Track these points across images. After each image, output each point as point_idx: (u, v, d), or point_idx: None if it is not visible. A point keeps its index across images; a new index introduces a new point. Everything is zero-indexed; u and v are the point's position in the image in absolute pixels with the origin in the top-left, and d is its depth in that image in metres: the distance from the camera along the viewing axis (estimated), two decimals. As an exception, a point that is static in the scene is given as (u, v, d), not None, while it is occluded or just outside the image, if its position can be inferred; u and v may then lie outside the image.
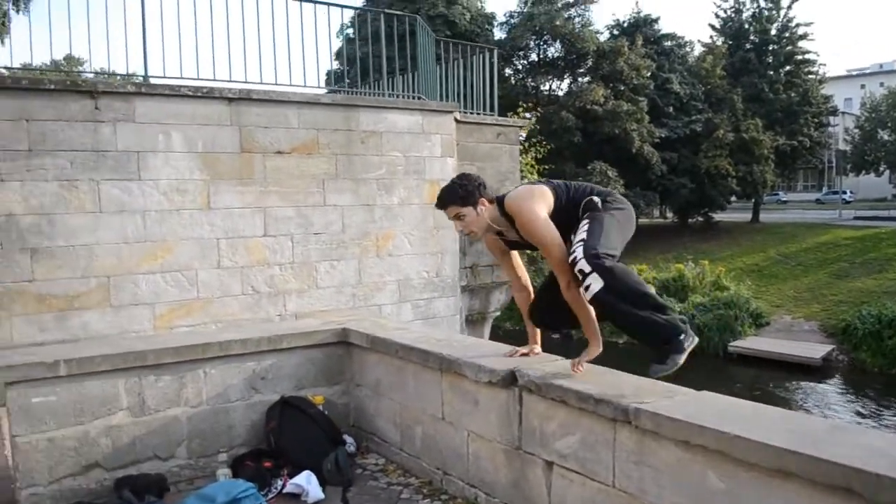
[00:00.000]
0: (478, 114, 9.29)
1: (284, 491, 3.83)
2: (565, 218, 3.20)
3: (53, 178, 6.00)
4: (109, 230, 6.11)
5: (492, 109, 9.66)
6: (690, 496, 2.61)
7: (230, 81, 7.09)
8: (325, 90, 10.57)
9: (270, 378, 4.36)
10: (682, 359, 2.96)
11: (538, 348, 3.65)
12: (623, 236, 3.19)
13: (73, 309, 5.96)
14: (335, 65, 23.10)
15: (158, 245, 6.25)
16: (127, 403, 3.97)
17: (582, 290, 2.93)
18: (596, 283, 2.86)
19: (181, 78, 6.82)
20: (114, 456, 3.93)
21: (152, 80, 6.82)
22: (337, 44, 24.26)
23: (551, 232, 3.14)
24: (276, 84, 7.42)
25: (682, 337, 2.95)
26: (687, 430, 2.57)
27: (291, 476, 3.91)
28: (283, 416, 4.21)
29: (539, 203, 3.19)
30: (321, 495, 3.79)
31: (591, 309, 3.16)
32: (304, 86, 7.53)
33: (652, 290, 3.09)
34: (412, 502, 3.80)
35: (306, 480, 3.83)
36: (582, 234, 3.03)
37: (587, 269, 2.88)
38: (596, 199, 3.20)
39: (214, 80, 6.99)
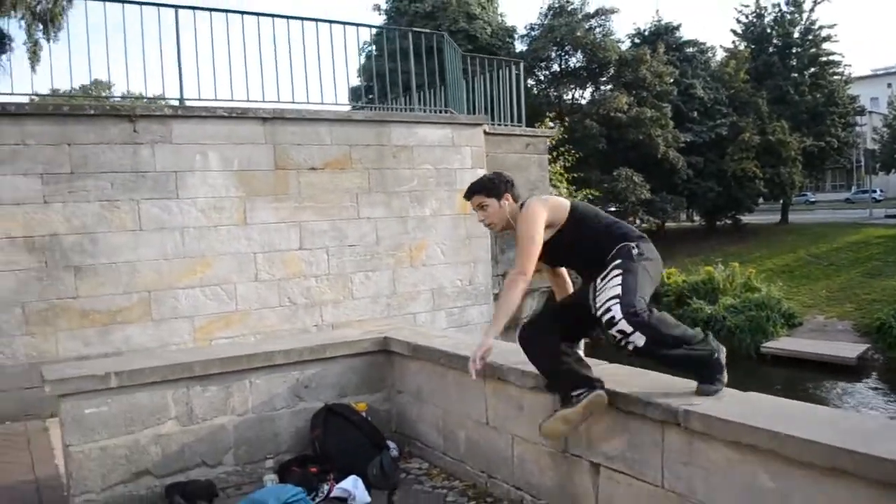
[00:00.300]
0: (505, 125, 9.37)
1: (332, 495, 3.89)
2: (591, 243, 3.25)
3: (95, 199, 6.18)
4: (150, 247, 6.27)
5: (519, 120, 9.74)
6: (741, 495, 2.62)
7: (263, 101, 7.26)
8: (351, 107, 10.76)
9: (314, 386, 4.44)
10: (725, 375, 3.03)
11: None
12: (653, 287, 3.20)
13: (116, 323, 6.11)
14: (357, 81, 23.40)
15: (197, 260, 6.40)
16: (175, 413, 4.06)
17: (623, 344, 2.95)
18: (639, 339, 2.90)
19: (216, 100, 7.01)
20: (163, 463, 4.02)
21: (188, 103, 6.99)
22: (356, 62, 24.54)
23: (534, 231, 3.21)
24: (308, 102, 7.57)
25: (716, 356, 3.02)
26: (738, 431, 2.58)
27: (338, 481, 3.97)
28: (327, 422, 4.28)
29: (546, 208, 3.27)
30: (367, 499, 3.85)
31: (512, 304, 3.37)
32: (336, 103, 7.71)
33: (683, 327, 3.11)
34: (457, 505, 3.85)
35: (353, 485, 3.89)
36: (615, 288, 2.99)
37: (628, 329, 2.89)
38: (633, 247, 3.16)
39: (248, 100, 7.17)
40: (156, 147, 6.42)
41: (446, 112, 8.85)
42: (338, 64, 7.56)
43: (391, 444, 4.47)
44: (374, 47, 25.13)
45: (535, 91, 32.18)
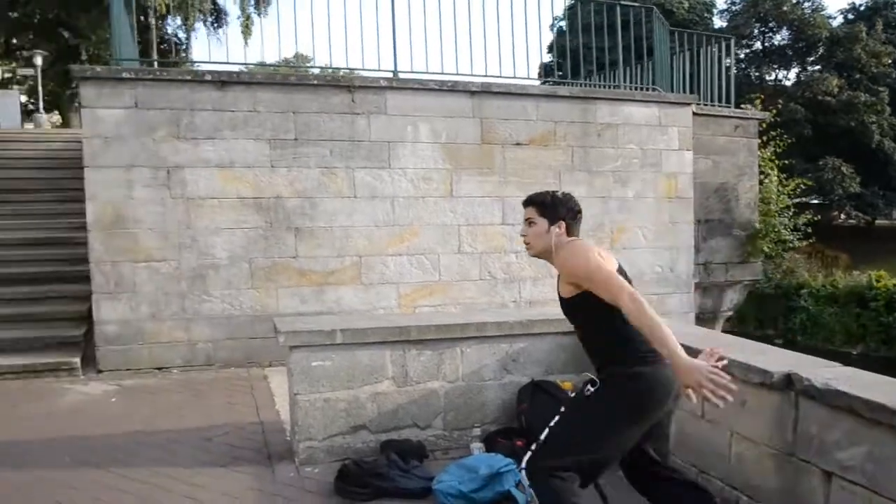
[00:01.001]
0: (712, 105, 8.92)
1: (537, 471, 3.91)
2: (602, 330, 2.78)
3: (315, 165, 6.56)
4: (362, 214, 6.58)
5: (727, 101, 9.24)
6: None
7: (471, 75, 7.35)
8: (542, 83, 10.65)
9: (521, 361, 4.48)
10: None
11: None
12: (620, 432, 2.72)
13: (329, 284, 6.50)
14: (547, 58, 23.17)
15: (405, 229, 6.64)
16: (392, 373, 4.24)
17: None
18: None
19: (427, 73, 7.18)
20: (378, 420, 4.22)
21: (401, 76, 7.23)
22: (546, 38, 24.31)
23: (595, 264, 2.66)
24: (514, 77, 7.59)
25: None
26: None
27: (543, 457, 3.98)
28: (534, 398, 4.31)
29: (595, 254, 2.73)
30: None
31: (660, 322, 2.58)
32: (527, 78, 7.62)
33: None
34: (665, 496, 3.74)
35: (560, 463, 3.88)
36: (543, 434, 2.71)
37: (526, 482, 2.66)
38: (589, 386, 2.73)
39: (457, 74, 7.30)
40: (371, 117, 6.71)
41: (653, 90, 8.55)
42: (530, 39, 7.48)
43: (595, 427, 4.42)
44: (564, 22, 24.95)
45: (733, 70, 30.43)
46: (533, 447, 2.70)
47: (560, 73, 12.47)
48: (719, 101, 9.17)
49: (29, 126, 17.29)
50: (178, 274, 6.36)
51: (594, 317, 2.78)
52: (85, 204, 6.33)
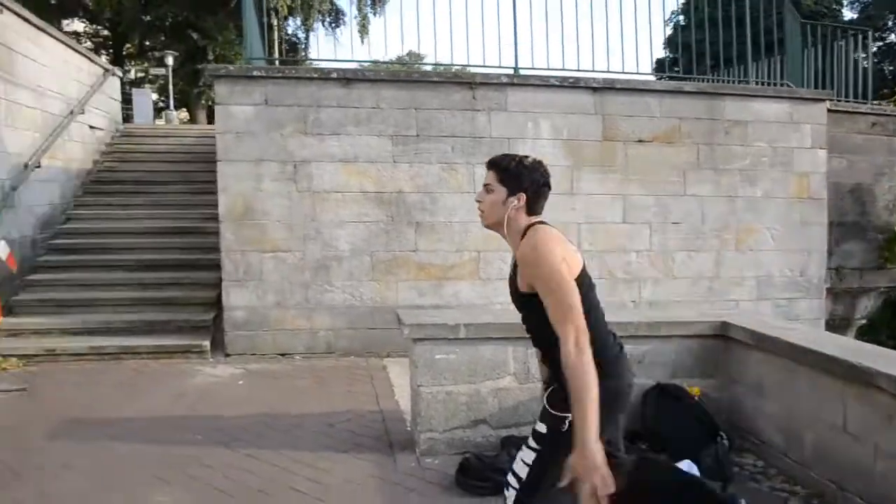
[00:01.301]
0: (842, 101, 8.43)
1: (664, 476, 3.81)
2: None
3: (436, 161, 6.63)
4: (482, 209, 6.59)
5: (862, 97, 8.73)
6: None
7: (593, 71, 7.25)
8: (662, 79, 10.35)
9: (646, 363, 4.37)
10: None
11: None
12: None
13: (447, 278, 6.56)
14: (662, 53, 22.55)
15: (524, 225, 6.60)
16: (514, 369, 4.23)
17: None
18: None
19: (548, 69, 7.12)
20: (499, 415, 4.21)
21: (522, 72, 7.20)
22: (661, 33, 23.59)
23: (560, 275, 2.28)
24: (637, 73, 7.43)
25: None
26: None
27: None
28: (660, 402, 4.21)
29: (561, 248, 2.35)
30: (703, 487, 3.71)
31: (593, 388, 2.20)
32: (656, 74, 7.44)
33: None
34: (801, 512, 3.57)
35: (687, 467, 3.77)
36: (523, 468, 2.46)
37: None
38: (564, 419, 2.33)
39: (579, 70, 7.20)
40: (492, 114, 6.72)
41: (784, 85, 8.16)
42: (646, 34, 7.24)
43: (722, 435, 4.27)
44: (681, 17, 24.17)
45: (870, 64, 28.71)
46: (516, 486, 2.47)
47: (676, 68, 12.09)
48: (854, 97, 8.67)
49: (159, 122, 18.31)
50: (303, 264, 6.58)
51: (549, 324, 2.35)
52: (214, 196, 6.64)
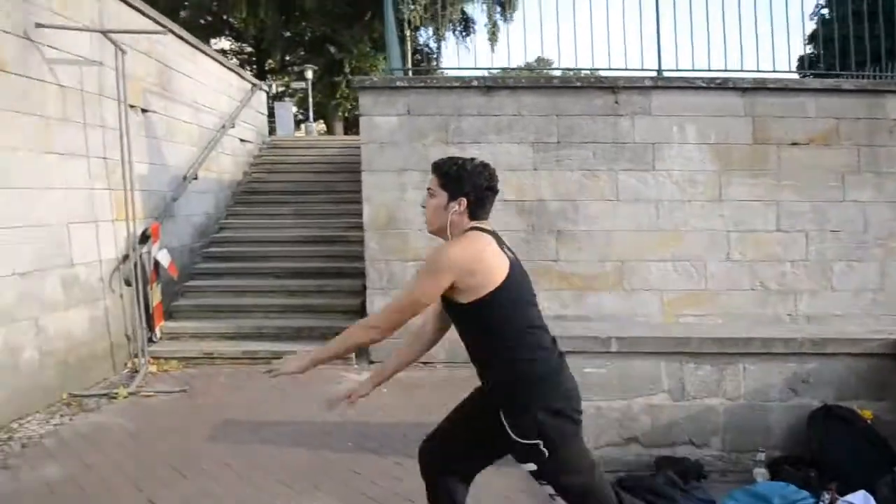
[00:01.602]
0: None
1: (836, 507, 3.56)
2: (492, 343, 2.50)
3: (577, 168, 6.54)
4: (625, 218, 6.45)
5: None
6: None
7: (741, 71, 6.91)
8: (799, 75, 9.72)
9: (811, 382, 4.11)
10: None
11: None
12: (582, 455, 2.60)
13: (590, 289, 6.44)
14: (808, 49, 21.27)
15: (669, 234, 6.40)
16: (667, 386, 4.08)
17: None
18: None
19: (693, 70, 6.87)
20: (651, 434, 4.08)
21: (666, 74, 6.98)
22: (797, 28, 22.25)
23: (431, 286, 2.38)
24: (788, 71, 7.05)
25: None
26: None
27: (840, 493, 3.61)
28: (827, 425, 3.93)
29: (470, 259, 2.35)
30: (878, 519, 3.44)
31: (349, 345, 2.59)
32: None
33: None
34: None
35: (863, 501, 3.50)
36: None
37: None
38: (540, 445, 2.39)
39: (726, 70, 6.89)
40: (635, 118, 6.56)
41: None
42: (790, 30, 6.79)
43: (898, 463, 3.95)
44: (827, 11, 22.64)
45: None
46: None
47: (820, 65, 11.36)
48: None
49: (300, 134, 19.11)
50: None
51: (489, 322, 2.46)
52: (357, 205, 6.82)
